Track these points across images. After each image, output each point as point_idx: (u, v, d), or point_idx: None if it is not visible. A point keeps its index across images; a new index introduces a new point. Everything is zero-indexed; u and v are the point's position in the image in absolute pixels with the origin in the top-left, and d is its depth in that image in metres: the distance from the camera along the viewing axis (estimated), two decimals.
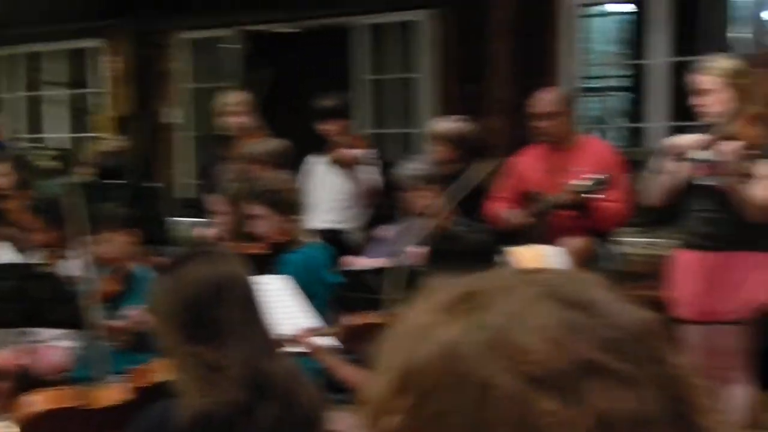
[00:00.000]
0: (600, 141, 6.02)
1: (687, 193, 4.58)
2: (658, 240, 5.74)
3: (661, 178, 4.60)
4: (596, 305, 0.89)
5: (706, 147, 4.40)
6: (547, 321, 0.86)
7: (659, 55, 7.34)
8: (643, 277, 5.38)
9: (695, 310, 4.50)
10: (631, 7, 9.49)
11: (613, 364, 0.85)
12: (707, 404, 0.90)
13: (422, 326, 0.90)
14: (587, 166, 5.10)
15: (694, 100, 4.60)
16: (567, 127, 5.36)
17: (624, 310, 0.90)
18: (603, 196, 4.95)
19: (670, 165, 4.54)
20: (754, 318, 4.36)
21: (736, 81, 4.47)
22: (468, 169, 5.51)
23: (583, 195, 4.95)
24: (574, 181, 5.00)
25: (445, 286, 0.94)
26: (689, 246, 4.62)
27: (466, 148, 5.72)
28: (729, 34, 8.18)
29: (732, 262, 4.45)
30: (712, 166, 4.40)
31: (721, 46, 7.59)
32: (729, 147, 4.24)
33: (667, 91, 7.29)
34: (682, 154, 4.50)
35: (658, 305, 4.76)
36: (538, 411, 0.82)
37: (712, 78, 4.50)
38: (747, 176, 4.26)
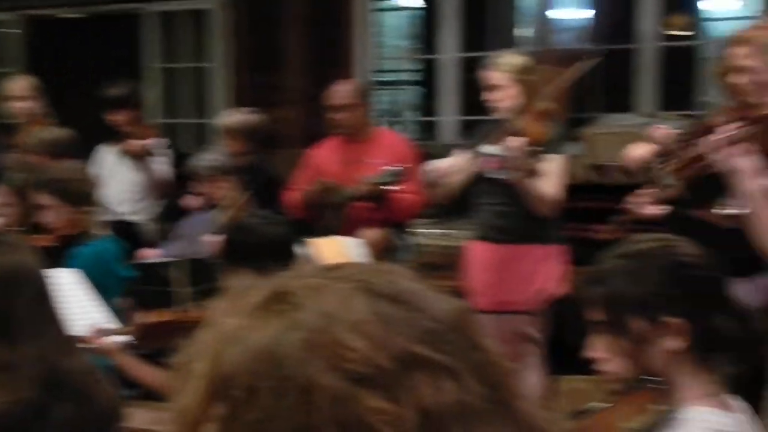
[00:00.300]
0: (394, 133, 6.08)
1: (478, 186, 4.69)
2: (452, 231, 5.86)
3: (436, 190, 4.73)
4: (410, 297, 0.88)
5: (494, 141, 4.50)
6: (363, 317, 0.84)
7: (449, 51, 7.49)
8: (439, 268, 5.47)
9: (488, 300, 4.61)
10: (421, 3, 9.65)
11: (433, 355, 0.84)
12: (522, 389, 0.90)
13: (232, 329, 0.86)
14: (383, 158, 5.14)
15: (484, 95, 4.70)
16: (363, 119, 5.39)
17: (437, 301, 0.89)
18: (399, 187, 5.00)
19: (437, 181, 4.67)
20: (543, 308, 4.50)
21: (522, 77, 4.59)
22: (261, 160, 5.47)
23: (379, 187, 4.98)
24: (370, 173, 5.03)
25: (253, 287, 0.90)
26: (481, 238, 4.74)
27: (257, 140, 5.67)
28: (516, 32, 8.44)
29: (521, 254, 4.59)
30: (501, 161, 4.51)
31: (509, 43, 7.82)
32: (515, 142, 4.35)
33: (457, 85, 7.44)
34: (442, 176, 4.63)
35: (454, 296, 4.84)
36: (363, 409, 0.80)
37: (501, 74, 4.60)
38: (533, 171, 4.39)
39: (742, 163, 2.86)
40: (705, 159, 3.01)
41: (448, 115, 7.45)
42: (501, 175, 4.55)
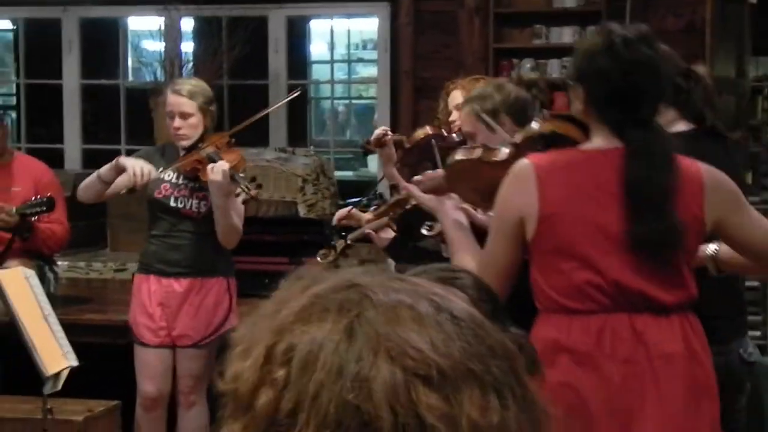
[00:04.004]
0: (34, 160, 5.55)
1: (150, 214, 4.45)
2: (98, 264, 5.64)
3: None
4: (473, 321, 0.93)
5: (180, 169, 4.30)
6: (430, 323, 0.91)
7: (72, 77, 7.25)
8: (83, 302, 5.26)
9: (160, 335, 4.42)
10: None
11: (486, 375, 0.90)
12: None
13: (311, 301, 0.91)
14: (25, 186, 4.88)
15: (169, 123, 4.44)
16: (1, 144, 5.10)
17: (495, 332, 0.94)
18: (45, 217, 4.76)
19: None
20: (215, 343, 4.38)
21: (207, 106, 4.42)
22: None
23: (25, 217, 4.71)
24: (14, 202, 4.76)
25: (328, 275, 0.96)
26: (150, 270, 4.46)
27: None
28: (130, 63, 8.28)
29: (198, 287, 4.41)
30: (185, 189, 4.35)
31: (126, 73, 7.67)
32: (222, 167, 4.15)
33: (80, 113, 7.20)
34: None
35: (114, 330, 4.65)
36: (417, 401, 0.86)
37: (188, 101, 4.34)
38: (235, 199, 4.22)
39: (433, 204, 3.01)
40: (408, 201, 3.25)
41: (73, 143, 7.19)
42: (179, 205, 4.39)
